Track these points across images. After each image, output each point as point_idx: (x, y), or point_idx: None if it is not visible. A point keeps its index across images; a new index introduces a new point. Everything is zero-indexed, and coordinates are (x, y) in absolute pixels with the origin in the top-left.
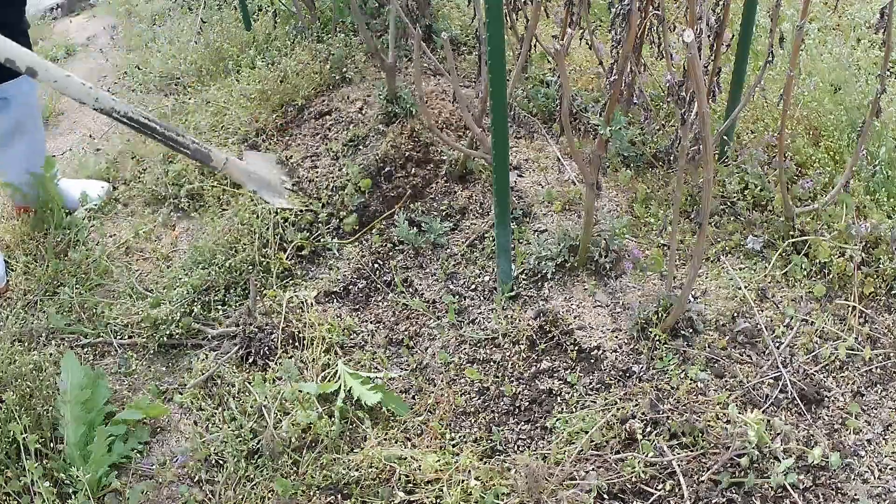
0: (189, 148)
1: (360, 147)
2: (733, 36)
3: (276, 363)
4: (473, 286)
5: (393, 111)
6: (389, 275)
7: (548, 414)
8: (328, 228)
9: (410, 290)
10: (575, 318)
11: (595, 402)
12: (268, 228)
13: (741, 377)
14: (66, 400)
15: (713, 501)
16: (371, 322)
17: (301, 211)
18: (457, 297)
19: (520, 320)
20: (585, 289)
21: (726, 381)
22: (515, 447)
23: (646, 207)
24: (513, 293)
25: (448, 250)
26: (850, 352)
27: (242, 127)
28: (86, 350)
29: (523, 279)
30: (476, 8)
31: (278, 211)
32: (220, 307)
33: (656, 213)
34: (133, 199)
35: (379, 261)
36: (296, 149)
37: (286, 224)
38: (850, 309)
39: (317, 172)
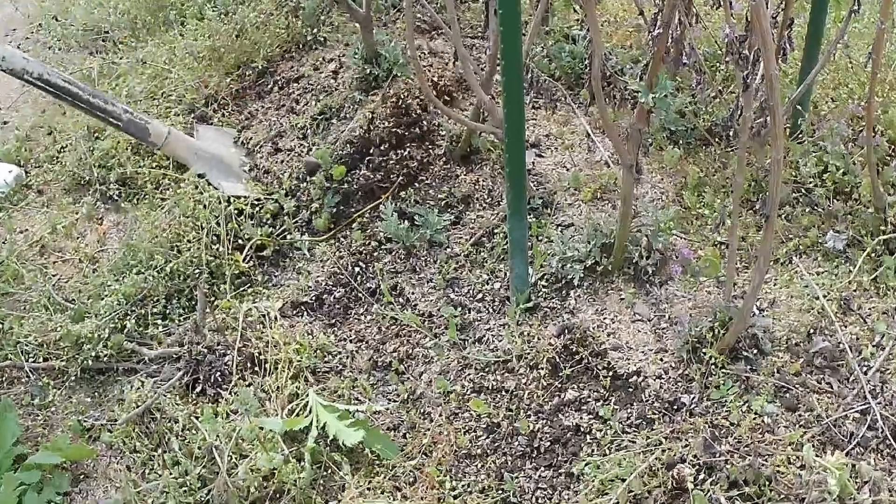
0: (121, 119)
1: (334, 120)
2: None
3: (230, 393)
4: (480, 295)
5: (372, 74)
6: (374, 281)
7: (574, 457)
8: (296, 222)
9: (400, 300)
10: (609, 335)
11: (634, 442)
12: (219, 222)
13: (819, 410)
14: None
15: None
16: (351, 341)
17: (261, 200)
18: (459, 308)
19: (539, 338)
20: (622, 298)
21: (800, 415)
22: (533, 499)
23: (698, 195)
24: (530, 304)
25: (448, 250)
26: None
27: (188, 94)
28: None
29: (543, 286)
30: None
31: (231, 200)
32: (159, 322)
33: (711, 203)
34: (49, 185)
35: (361, 263)
36: (256, 124)
37: (243, 217)
38: None
39: (278, 159)
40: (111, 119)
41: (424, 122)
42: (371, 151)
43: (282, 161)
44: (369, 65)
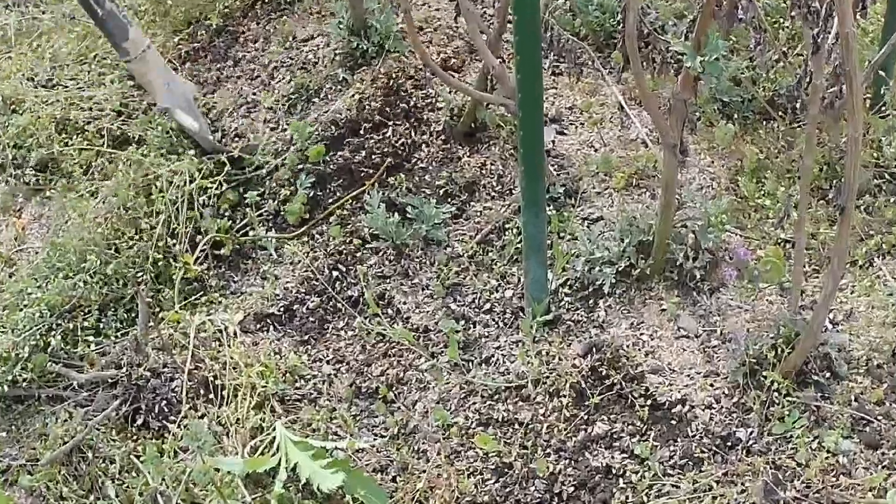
0: (103, 6)
1: (314, 100)
2: None
3: (178, 426)
4: (487, 306)
5: (360, 49)
6: (356, 288)
7: None
8: (262, 215)
9: (389, 311)
10: (647, 355)
11: (678, 487)
12: (169, 213)
13: None
14: None
15: None
16: (328, 361)
17: (226, 171)
18: (462, 322)
19: (560, 359)
20: (663, 309)
21: (883, 453)
22: None
23: (757, 182)
24: (549, 316)
25: (448, 249)
26: None
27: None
28: None
29: (565, 295)
30: None
31: (194, 178)
32: (91, 338)
33: (773, 192)
34: None
35: (340, 266)
36: (212, 94)
37: (196, 205)
38: None
39: (249, 128)
40: (91, 3)
41: (416, 100)
42: (359, 132)
43: (248, 133)
44: (356, 37)
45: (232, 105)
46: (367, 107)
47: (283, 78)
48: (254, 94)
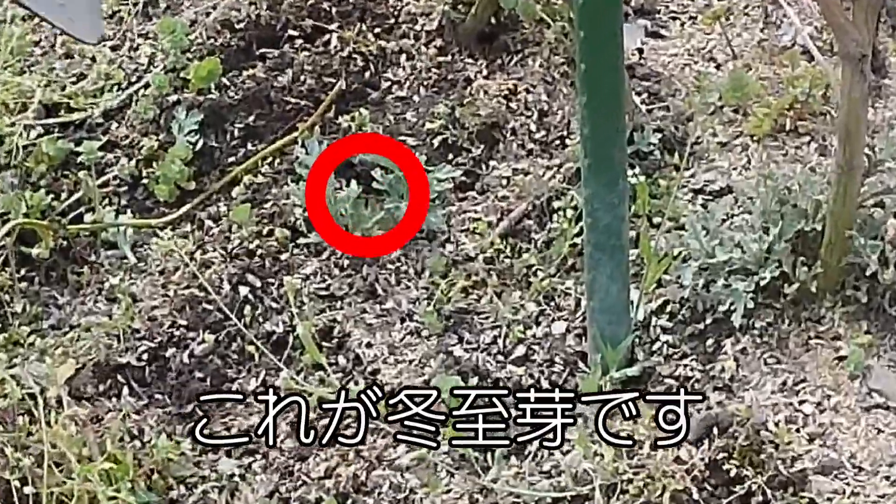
0: None
1: None
2: None
3: None
4: (520, 349)
5: None
6: (280, 318)
7: None
8: (108, 184)
9: (341, 360)
10: (810, 439)
11: None
12: None
13: None
14: None
15: None
16: (230, 452)
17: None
18: (473, 380)
19: (655, 446)
20: (841, 357)
21: None
22: None
23: None
24: (633, 369)
25: (450, 246)
26: None
27: None
28: None
29: (663, 330)
30: None
31: None
32: None
33: None
34: None
35: (252, 276)
36: None
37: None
38: None
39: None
40: None
41: None
42: (279, 39)
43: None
44: None
45: None
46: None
47: None
48: None
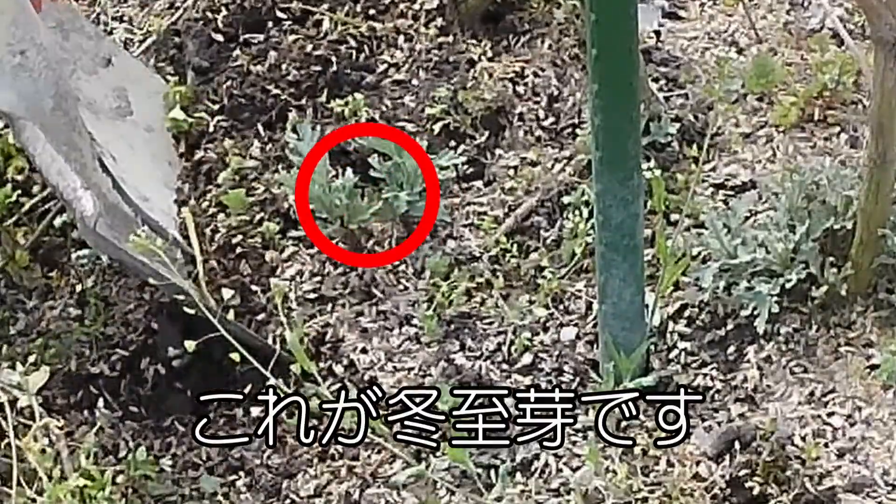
0: None
1: None
2: None
3: None
4: (526, 358)
5: None
6: (268, 324)
7: None
8: None
9: (336, 368)
10: (839, 454)
11: None
12: None
13: None
14: None
15: None
16: (212, 469)
17: None
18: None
19: (671, 462)
20: (873, 366)
21: None
22: None
23: None
24: (648, 379)
25: (452, 244)
26: None
27: None
28: None
29: (681, 336)
30: None
31: None
32: None
33: None
34: None
35: (237, 275)
36: None
37: None
38: None
39: None
40: None
41: None
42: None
43: None
44: None
45: None
46: None
47: None
48: None
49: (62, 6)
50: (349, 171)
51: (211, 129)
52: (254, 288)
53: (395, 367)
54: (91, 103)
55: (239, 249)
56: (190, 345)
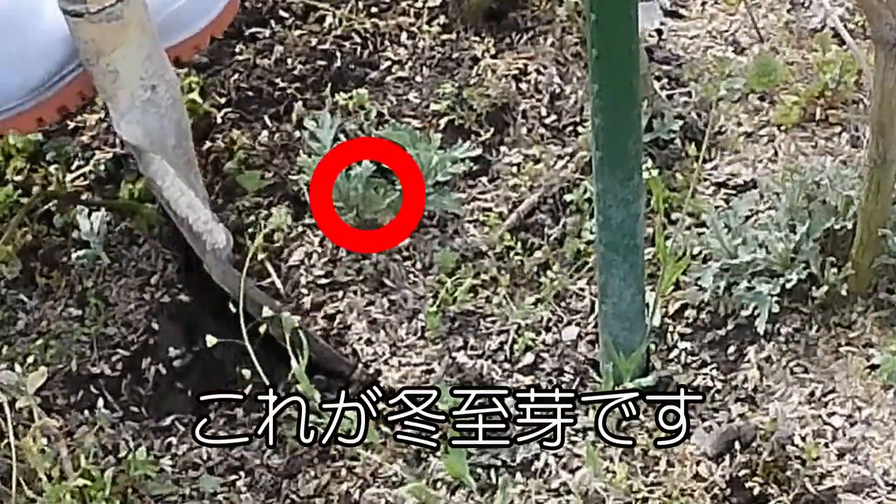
0: None
1: None
2: None
3: None
4: (528, 356)
5: None
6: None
7: None
8: (88, 178)
9: (349, 357)
10: (840, 455)
11: None
12: None
13: None
14: None
15: None
16: (213, 469)
17: None
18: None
19: (671, 463)
20: (873, 365)
21: None
22: None
23: None
24: (648, 379)
25: (457, 240)
26: None
27: None
28: None
29: (682, 336)
30: None
31: None
32: None
33: None
34: None
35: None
36: None
37: None
38: None
39: None
40: None
41: None
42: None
43: None
44: None
45: None
46: None
47: None
48: None
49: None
50: (365, 161)
51: (218, 120)
52: (269, 269)
53: (399, 361)
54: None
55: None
56: (185, 346)
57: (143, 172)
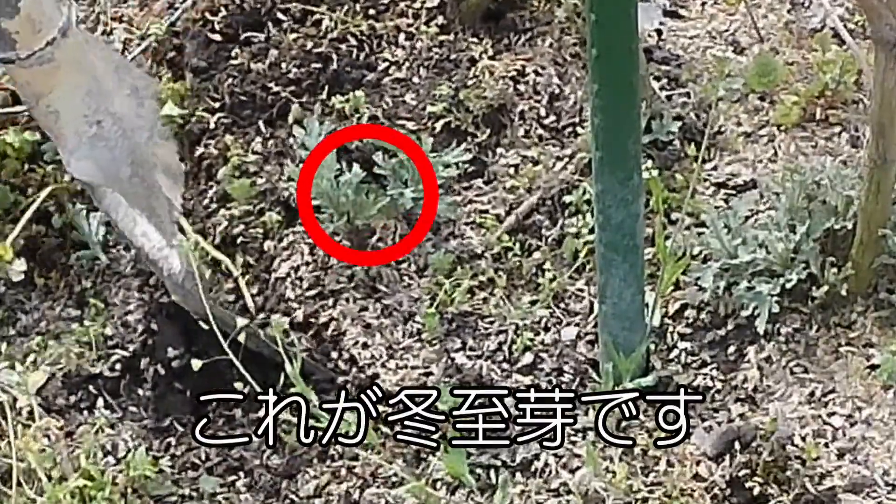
0: None
1: None
2: None
3: None
4: (527, 357)
5: None
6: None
7: None
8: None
9: (338, 364)
10: (840, 455)
11: None
12: None
13: None
14: None
15: None
16: (212, 469)
17: None
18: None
19: (670, 463)
20: (873, 366)
21: None
22: None
23: None
24: (648, 379)
25: (454, 241)
26: None
27: None
28: None
29: (681, 336)
30: None
31: None
32: None
33: None
34: None
35: (251, 272)
36: None
37: None
38: None
39: None
40: None
41: None
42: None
43: None
44: None
45: None
46: None
47: None
48: None
49: (137, 74)
50: (355, 166)
51: (212, 125)
52: (258, 277)
53: (396, 363)
54: (167, 168)
55: (240, 240)
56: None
57: (98, 206)
